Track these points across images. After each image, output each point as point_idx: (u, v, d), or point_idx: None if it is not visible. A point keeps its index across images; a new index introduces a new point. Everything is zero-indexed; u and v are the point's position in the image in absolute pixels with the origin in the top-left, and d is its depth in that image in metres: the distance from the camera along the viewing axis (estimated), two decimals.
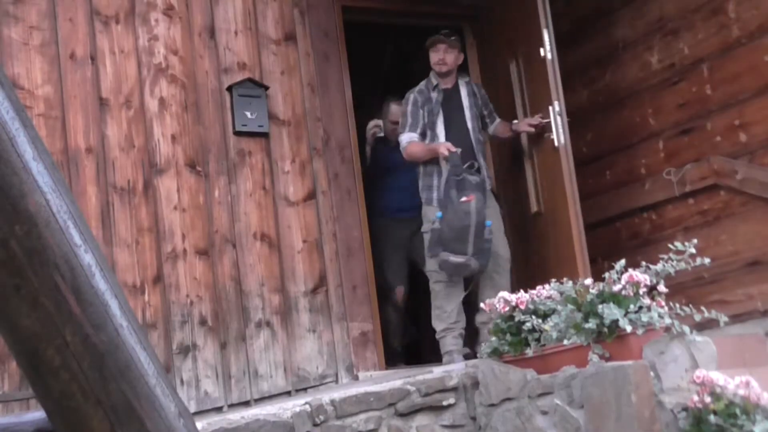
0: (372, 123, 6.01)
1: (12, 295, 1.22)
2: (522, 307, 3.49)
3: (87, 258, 1.26)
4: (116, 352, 1.27)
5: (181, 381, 4.16)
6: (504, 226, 4.92)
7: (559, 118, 4.72)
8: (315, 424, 3.36)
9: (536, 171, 5.02)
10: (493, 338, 3.61)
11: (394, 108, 5.47)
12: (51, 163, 1.27)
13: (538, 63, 4.85)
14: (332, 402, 3.43)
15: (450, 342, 4.58)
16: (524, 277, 4.88)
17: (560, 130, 4.71)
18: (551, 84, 4.75)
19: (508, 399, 3.39)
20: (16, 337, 1.26)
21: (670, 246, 3.29)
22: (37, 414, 1.62)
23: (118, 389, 1.27)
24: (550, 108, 4.74)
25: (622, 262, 3.33)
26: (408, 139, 4.75)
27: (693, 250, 3.21)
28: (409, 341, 5.88)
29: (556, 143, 4.72)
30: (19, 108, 1.24)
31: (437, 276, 4.63)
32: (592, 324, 3.12)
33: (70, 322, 1.24)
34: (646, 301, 3.16)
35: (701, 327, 3.35)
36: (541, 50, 4.78)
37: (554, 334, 3.31)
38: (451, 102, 4.86)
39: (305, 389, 4.44)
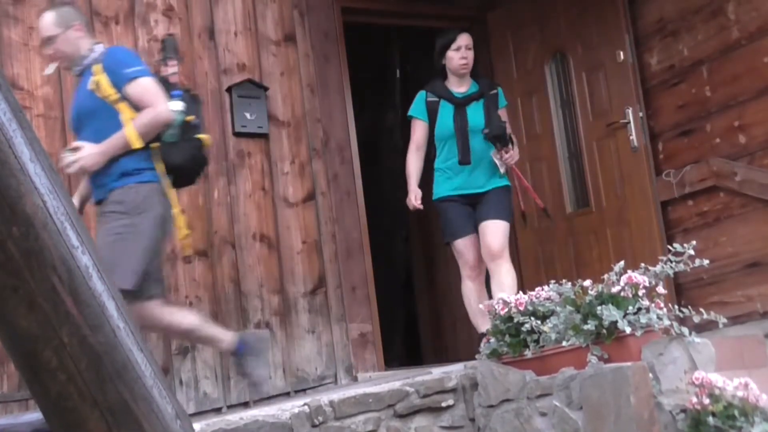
0: None
1: (9, 297, 1.22)
2: (521, 308, 3.48)
3: (84, 259, 1.26)
4: (113, 353, 1.27)
5: (181, 382, 4.16)
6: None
7: (639, 121, 4.93)
8: (314, 425, 3.36)
9: (588, 171, 5.19)
10: (492, 339, 3.60)
11: None
12: (49, 164, 1.27)
13: (607, 66, 5.09)
14: (331, 403, 3.43)
15: None
16: (551, 275, 4.91)
17: (640, 132, 4.93)
18: (632, 86, 4.98)
19: (507, 400, 3.38)
20: (13, 338, 1.26)
21: (669, 247, 3.29)
22: (34, 415, 1.63)
23: (115, 390, 1.27)
24: (629, 110, 4.94)
25: (621, 263, 3.33)
26: None
27: (692, 252, 3.21)
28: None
29: (635, 143, 4.91)
30: (16, 109, 1.24)
31: None
32: (591, 325, 3.11)
33: (68, 324, 1.24)
34: (645, 302, 3.16)
35: (700, 328, 3.35)
36: (620, 54, 5.00)
37: (553, 336, 3.30)
38: None
39: (304, 390, 4.44)
